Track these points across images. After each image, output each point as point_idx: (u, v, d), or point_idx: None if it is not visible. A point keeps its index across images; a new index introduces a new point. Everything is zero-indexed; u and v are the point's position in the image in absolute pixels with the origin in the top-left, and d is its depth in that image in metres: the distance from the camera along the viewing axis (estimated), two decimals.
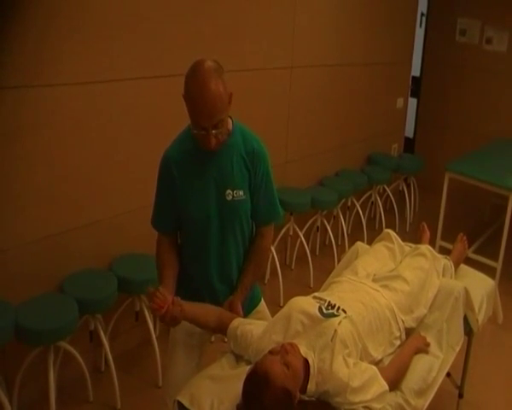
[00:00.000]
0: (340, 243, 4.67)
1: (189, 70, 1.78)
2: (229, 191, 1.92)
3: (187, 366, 2.04)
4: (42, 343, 2.46)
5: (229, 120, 1.93)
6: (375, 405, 1.76)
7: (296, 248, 4.35)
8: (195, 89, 1.75)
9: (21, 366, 2.54)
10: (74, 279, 2.72)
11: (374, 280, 2.29)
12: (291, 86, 3.99)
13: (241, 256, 2.06)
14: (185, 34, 3.06)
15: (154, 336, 2.95)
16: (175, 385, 1.95)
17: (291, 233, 4.13)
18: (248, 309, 2.13)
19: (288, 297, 2.07)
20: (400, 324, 2.13)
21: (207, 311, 2.00)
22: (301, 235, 4.10)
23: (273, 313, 2.13)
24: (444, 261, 2.55)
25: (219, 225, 1.96)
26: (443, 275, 2.49)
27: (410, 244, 2.68)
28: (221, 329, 2.01)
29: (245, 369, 1.79)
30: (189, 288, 2.05)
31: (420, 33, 5.82)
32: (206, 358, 2.14)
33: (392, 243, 2.63)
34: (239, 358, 1.99)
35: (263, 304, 2.23)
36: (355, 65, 4.62)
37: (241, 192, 1.94)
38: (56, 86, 2.55)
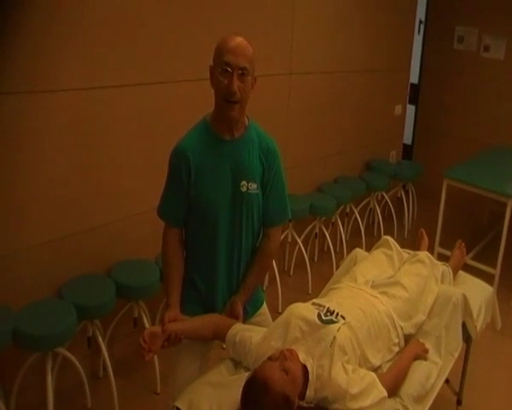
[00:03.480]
0: (338, 249, 4.67)
1: None
2: (244, 182, 1.94)
3: (193, 371, 2.03)
4: (40, 349, 2.45)
5: (245, 118, 1.99)
6: None
7: (295, 255, 4.34)
8: (227, 36, 1.86)
9: (19, 372, 2.53)
10: (73, 285, 2.71)
11: (372, 287, 2.29)
12: (290, 93, 4.00)
13: (248, 255, 2.06)
14: (184, 41, 3.07)
15: None
16: (181, 389, 1.94)
17: (289, 240, 4.13)
18: (251, 311, 2.14)
19: (286, 304, 2.07)
20: (399, 330, 2.13)
21: (202, 325, 2.00)
22: (300, 241, 4.10)
23: (272, 320, 2.13)
24: (442, 268, 2.56)
25: (230, 218, 1.96)
26: (441, 282, 2.49)
27: (409, 251, 2.69)
28: (219, 337, 2.01)
29: (244, 375, 1.79)
30: (191, 288, 2.05)
31: (418, 40, 5.85)
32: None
33: (391, 249, 2.63)
34: (238, 364, 1.99)
35: (265, 307, 2.23)
36: (353, 72, 4.63)
37: (254, 185, 1.96)
38: (56, 92, 2.56)
